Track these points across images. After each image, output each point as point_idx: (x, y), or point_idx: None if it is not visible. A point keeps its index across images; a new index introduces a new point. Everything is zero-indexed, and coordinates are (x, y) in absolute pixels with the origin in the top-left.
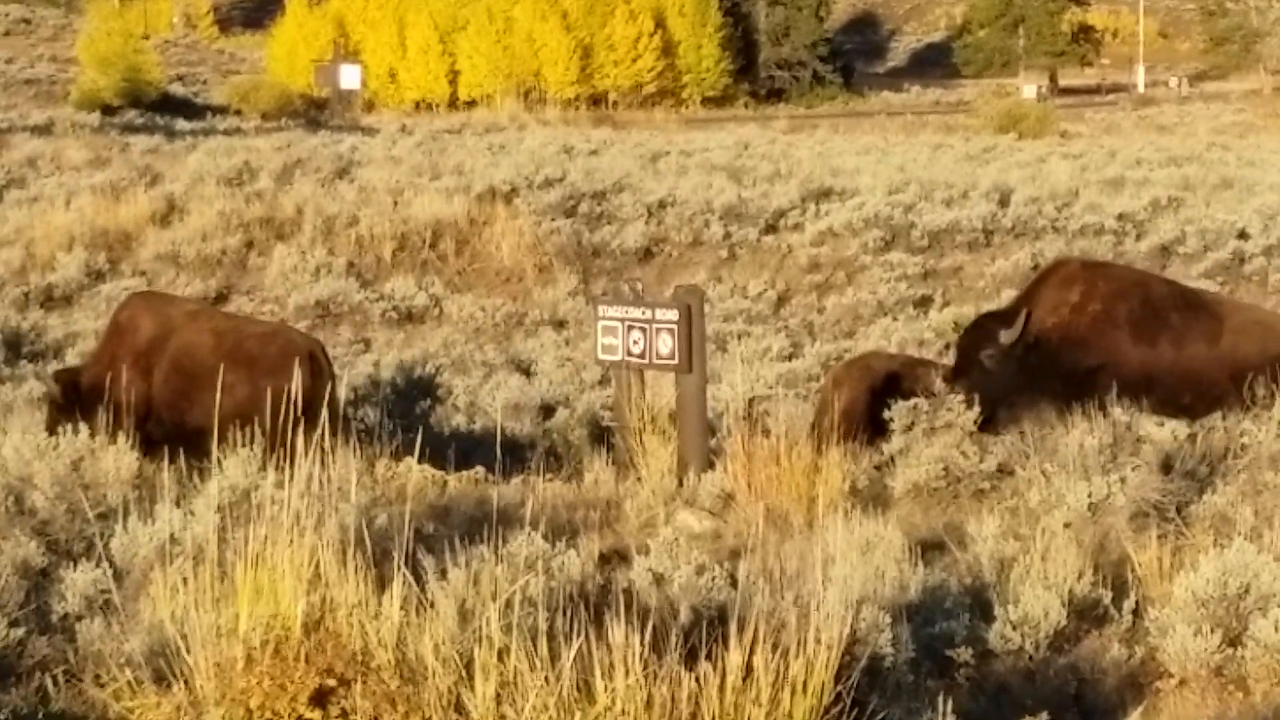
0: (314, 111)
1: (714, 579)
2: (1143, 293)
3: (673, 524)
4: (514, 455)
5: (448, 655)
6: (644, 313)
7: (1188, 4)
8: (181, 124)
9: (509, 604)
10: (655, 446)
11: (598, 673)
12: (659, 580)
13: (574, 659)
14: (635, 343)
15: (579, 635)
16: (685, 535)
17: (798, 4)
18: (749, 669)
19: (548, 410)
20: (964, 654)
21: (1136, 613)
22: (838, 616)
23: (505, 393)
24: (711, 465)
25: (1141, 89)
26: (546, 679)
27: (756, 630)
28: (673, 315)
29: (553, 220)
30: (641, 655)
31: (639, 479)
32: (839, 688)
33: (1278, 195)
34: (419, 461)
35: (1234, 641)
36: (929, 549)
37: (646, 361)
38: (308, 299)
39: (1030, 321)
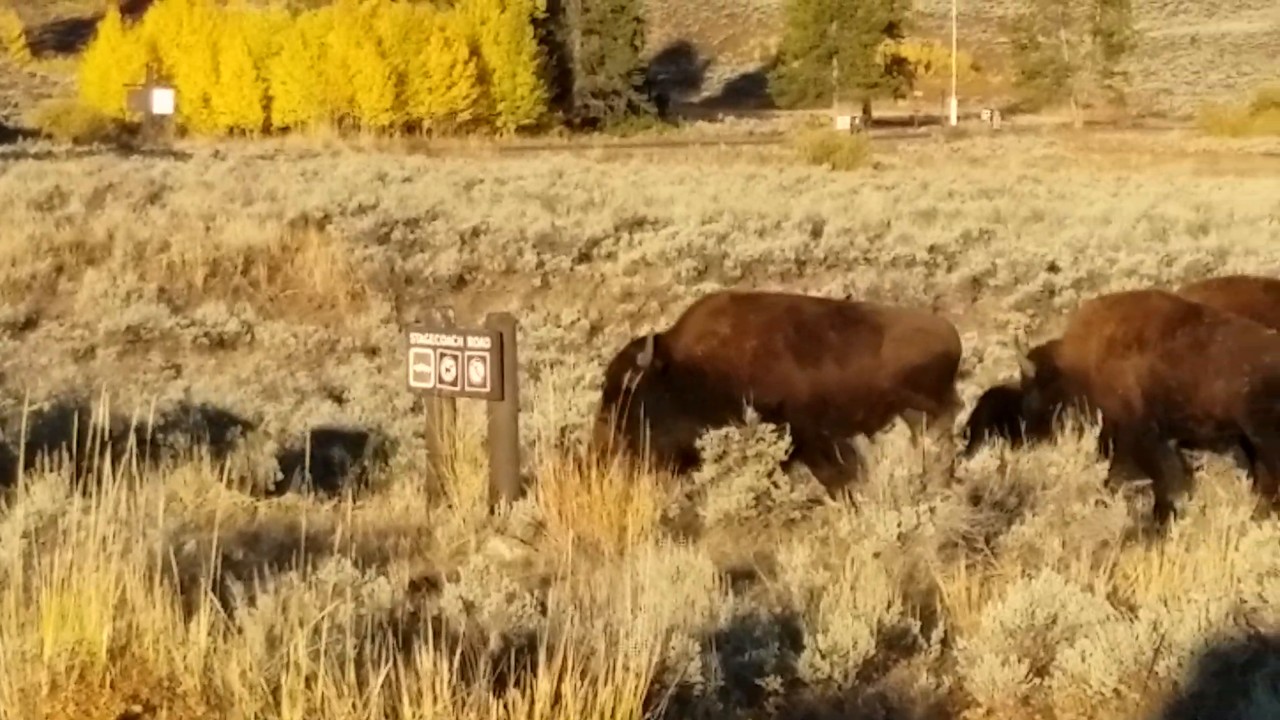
0: (126, 136)
1: (524, 607)
2: (796, 318)
3: (484, 552)
4: (326, 482)
5: (254, 681)
6: (456, 340)
7: (1000, 38)
8: None
9: (317, 630)
10: (467, 474)
11: (405, 700)
12: (469, 608)
13: (381, 686)
14: (447, 370)
15: (387, 662)
16: (496, 563)
17: (613, 33)
18: (558, 697)
19: (360, 437)
20: (773, 683)
21: (945, 642)
22: (646, 645)
23: (317, 419)
24: (523, 493)
25: (954, 121)
26: (354, 706)
27: (565, 658)
28: (485, 343)
29: (366, 247)
30: (450, 682)
31: (450, 507)
32: (647, 715)
33: (1087, 228)
34: (229, 488)
35: (1041, 671)
36: (740, 578)
37: (459, 389)
38: (118, 324)
39: (678, 348)
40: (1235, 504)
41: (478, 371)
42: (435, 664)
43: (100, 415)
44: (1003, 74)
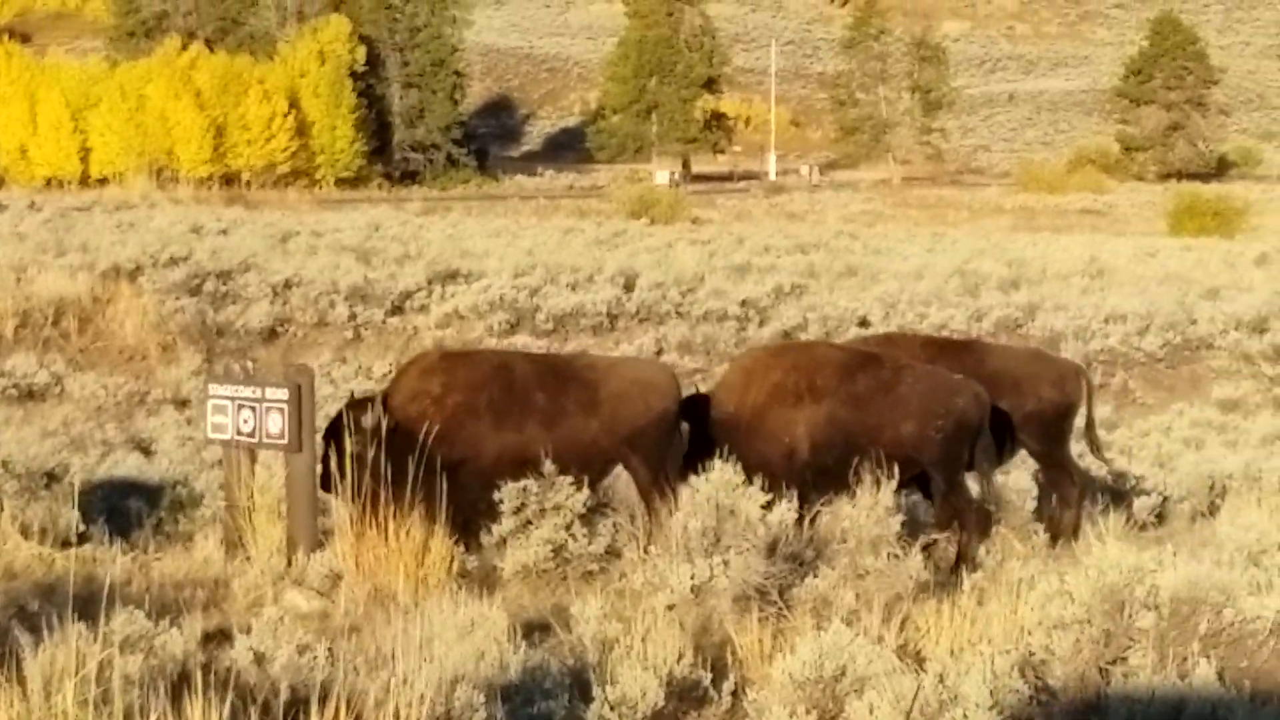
0: None
1: (315, 658)
2: (505, 377)
3: (280, 603)
4: (129, 534)
5: None
6: (254, 391)
7: (820, 93)
8: None
9: (98, 680)
10: (265, 526)
11: None
12: (259, 659)
13: None
14: (245, 421)
15: (156, 712)
16: (293, 614)
17: (432, 87)
18: None
19: (165, 489)
20: None
21: (736, 694)
22: (428, 695)
23: (122, 471)
24: (322, 545)
25: (773, 176)
26: None
27: (339, 707)
28: (283, 394)
29: (177, 299)
30: None
31: (249, 558)
32: None
33: (900, 283)
34: (27, 539)
35: None
36: (536, 630)
37: (256, 440)
38: None
39: (392, 409)
40: (1028, 558)
41: (275, 423)
42: (204, 712)
43: None
44: (822, 130)
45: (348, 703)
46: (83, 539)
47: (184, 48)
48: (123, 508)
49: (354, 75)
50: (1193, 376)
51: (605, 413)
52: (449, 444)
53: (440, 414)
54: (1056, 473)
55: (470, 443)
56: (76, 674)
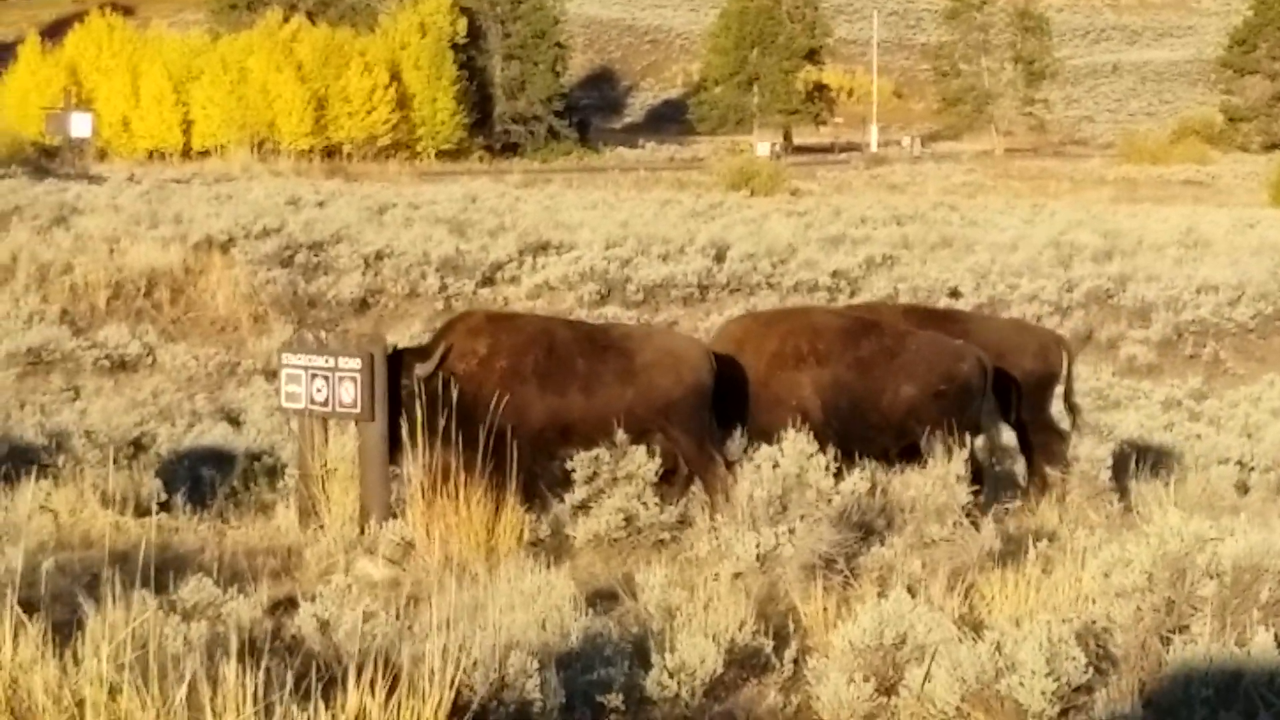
0: (46, 159)
1: (377, 626)
2: (548, 341)
3: (352, 572)
4: (207, 505)
5: (59, 695)
6: (327, 361)
7: (922, 65)
8: None
9: (144, 646)
10: (339, 494)
11: (208, 712)
12: (324, 626)
13: (186, 699)
14: (319, 390)
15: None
16: (364, 583)
17: (534, 59)
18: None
19: (254, 458)
20: (614, 700)
21: (798, 662)
22: (484, 660)
23: (208, 441)
24: (395, 514)
25: (875, 148)
26: (157, 715)
27: (375, 672)
28: (355, 364)
29: (269, 270)
30: (254, 695)
31: (321, 527)
32: None
33: (993, 254)
34: (108, 508)
35: (889, 690)
36: (604, 598)
37: (329, 410)
38: (19, 346)
39: (445, 362)
40: (1099, 526)
41: (348, 392)
42: (238, 676)
43: None
44: (924, 101)
45: (388, 668)
46: (164, 508)
47: (285, 20)
48: (207, 478)
49: (455, 47)
50: None
51: (641, 382)
52: (495, 406)
53: (489, 375)
54: (1044, 435)
55: (517, 406)
56: (134, 642)
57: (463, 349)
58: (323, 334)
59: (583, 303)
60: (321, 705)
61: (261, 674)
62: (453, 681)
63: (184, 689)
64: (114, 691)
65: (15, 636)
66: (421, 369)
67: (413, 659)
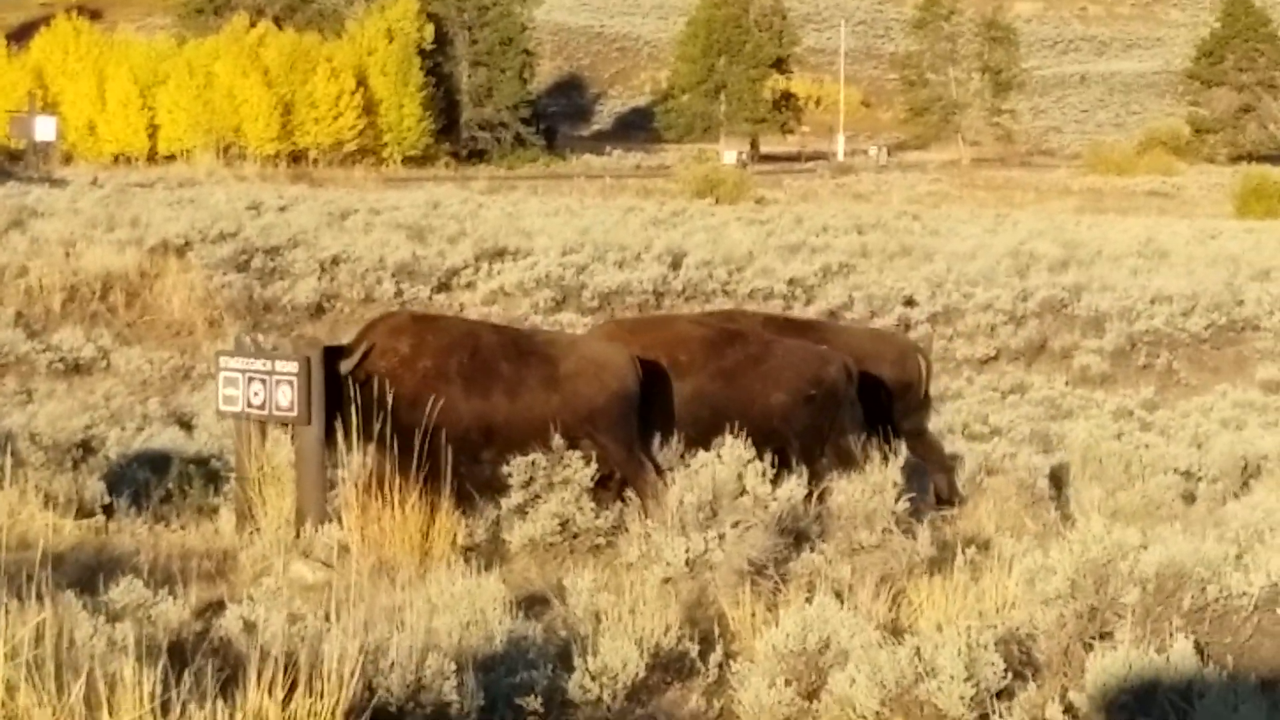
0: (10, 163)
1: (304, 627)
2: (473, 344)
3: (286, 574)
4: (148, 508)
5: None
6: (264, 364)
7: (890, 74)
8: None
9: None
10: (274, 498)
11: (105, 710)
12: (249, 627)
13: (84, 698)
14: (256, 394)
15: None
16: (298, 585)
17: (501, 66)
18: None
19: (200, 462)
20: (533, 703)
21: (723, 666)
22: (401, 662)
23: (157, 444)
24: (330, 518)
25: (841, 157)
26: (54, 712)
27: (275, 671)
28: (292, 367)
29: (225, 274)
30: (151, 693)
31: (257, 530)
32: None
33: (950, 263)
34: (48, 509)
35: (811, 695)
36: (536, 603)
37: (267, 413)
38: None
39: (367, 360)
40: (1033, 534)
41: (285, 395)
42: (135, 673)
43: None
44: (892, 110)
45: (296, 668)
46: (107, 511)
47: (252, 25)
48: (150, 481)
49: (422, 53)
50: (1237, 357)
51: (566, 390)
52: (420, 407)
53: (411, 376)
54: (922, 446)
55: (441, 408)
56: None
57: (385, 347)
58: (259, 338)
59: (538, 309)
60: (220, 703)
61: (159, 672)
62: (350, 680)
63: (79, 687)
64: (10, 689)
65: None
66: (344, 365)
67: (318, 660)
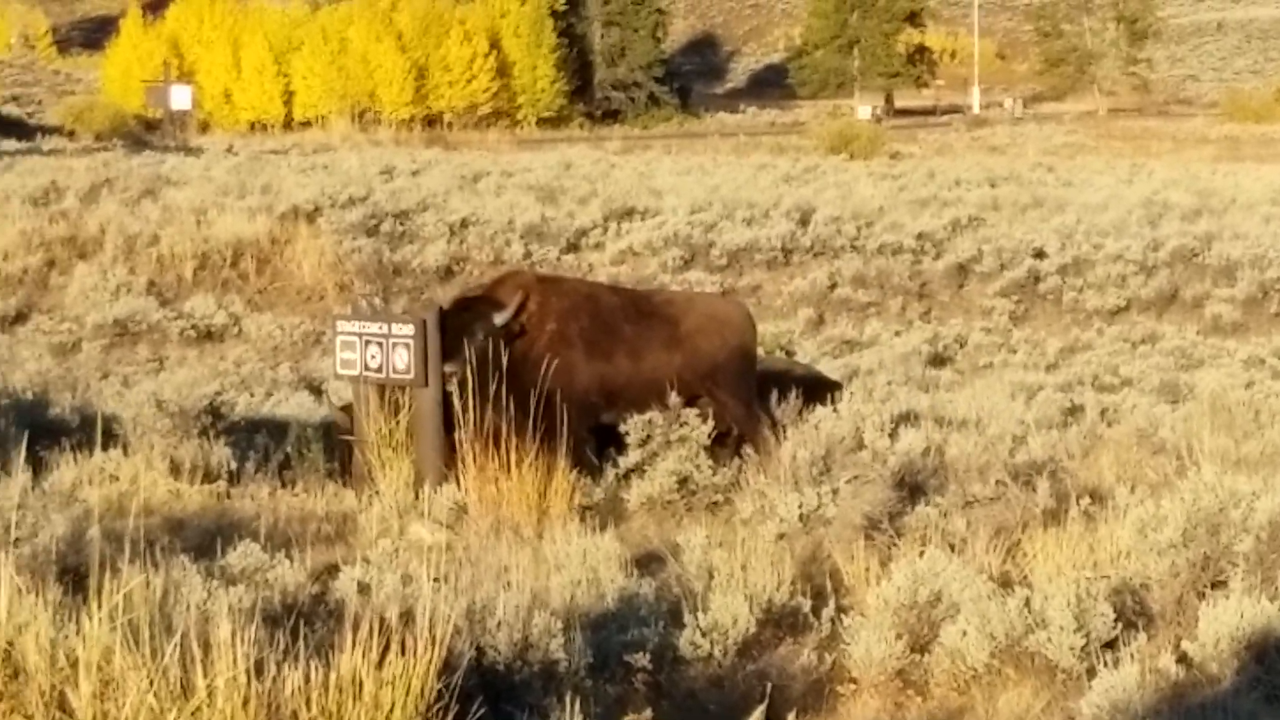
0: (147, 132)
1: (417, 588)
2: (593, 307)
3: (405, 536)
4: (281, 472)
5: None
6: (381, 328)
7: (1025, 26)
8: (9, 145)
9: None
10: (393, 460)
11: (200, 670)
12: (363, 589)
13: (179, 657)
14: (373, 357)
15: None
16: (417, 547)
17: (634, 25)
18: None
19: (319, 428)
20: (642, 660)
21: (835, 621)
22: (508, 622)
23: (285, 410)
24: (448, 478)
25: (976, 110)
26: (149, 675)
27: (372, 630)
28: (409, 330)
29: (354, 239)
30: (246, 654)
31: (377, 493)
32: (443, 685)
33: (1081, 214)
34: (175, 477)
35: (922, 648)
36: (651, 561)
37: (383, 376)
38: (106, 318)
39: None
40: (1152, 484)
41: (402, 358)
42: (232, 634)
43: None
44: (1027, 62)
45: (384, 630)
46: (234, 477)
47: None
48: (274, 446)
49: (554, 14)
50: None
51: (686, 348)
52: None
53: (539, 336)
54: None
55: (564, 369)
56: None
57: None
58: (377, 301)
59: (666, 268)
60: (316, 663)
61: (252, 633)
62: (444, 640)
63: (173, 649)
64: (107, 652)
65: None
66: (499, 318)
67: (415, 621)
